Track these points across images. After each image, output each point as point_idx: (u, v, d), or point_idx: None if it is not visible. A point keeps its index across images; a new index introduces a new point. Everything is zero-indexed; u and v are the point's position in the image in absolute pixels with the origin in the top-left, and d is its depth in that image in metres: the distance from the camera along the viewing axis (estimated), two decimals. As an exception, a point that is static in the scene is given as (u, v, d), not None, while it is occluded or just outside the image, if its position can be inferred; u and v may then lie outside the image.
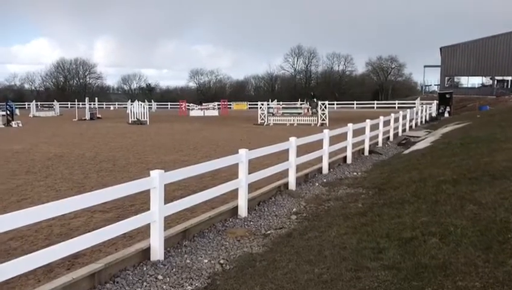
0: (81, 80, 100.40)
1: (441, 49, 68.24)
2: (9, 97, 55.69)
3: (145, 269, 5.57)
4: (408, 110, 26.07)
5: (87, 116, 40.91)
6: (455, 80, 69.18)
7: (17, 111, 44.72)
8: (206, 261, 5.97)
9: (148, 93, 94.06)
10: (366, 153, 15.82)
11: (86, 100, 42.86)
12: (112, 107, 71.60)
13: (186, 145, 18.77)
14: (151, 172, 5.83)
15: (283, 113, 34.07)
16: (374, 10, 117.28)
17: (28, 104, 60.69)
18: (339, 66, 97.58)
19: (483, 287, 4.23)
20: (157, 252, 5.83)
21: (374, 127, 17.23)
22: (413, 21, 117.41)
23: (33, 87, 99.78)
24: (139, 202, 8.22)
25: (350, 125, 14.25)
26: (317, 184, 10.69)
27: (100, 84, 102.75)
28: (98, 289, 5.01)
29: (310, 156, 11.39)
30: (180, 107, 54.42)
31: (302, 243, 6.26)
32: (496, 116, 24.46)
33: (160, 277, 5.40)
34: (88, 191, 6.56)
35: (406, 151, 16.12)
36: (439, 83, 71.49)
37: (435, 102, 41.61)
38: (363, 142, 15.87)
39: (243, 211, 7.97)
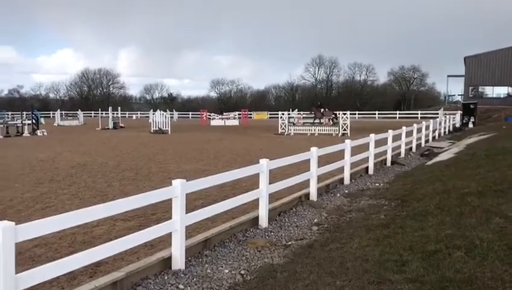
0: (104, 90, 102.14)
1: (465, 59, 67.28)
2: (35, 106, 56.91)
3: (166, 278, 5.59)
4: (431, 120, 25.74)
5: (110, 126, 41.49)
6: (479, 90, 68.00)
7: (42, 120, 45.71)
8: (226, 271, 5.96)
9: (169, 102, 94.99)
10: (389, 163, 15.64)
11: (109, 109, 43.57)
12: (134, 117, 72.53)
13: (207, 155, 18.86)
14: (173, 181, 5.87)
15: (304, 123, 33.98)
16: (396, 20, 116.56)
17: (52, 113, 61.93)
18: (360, 75, 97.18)
19: (511, 303, 4.12)
20: (178, 261, 5.85)
21: (396, 138, 17.05)
22: (436, 30, 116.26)
23: (58, 97, 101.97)
24: (161, 211, 8.28)
25: (372, 135, 14.13)
26: (338, 195, 10.61)
27: (123, 94, 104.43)
28: (120, 297, 5.05)
29: (331, 166, 11.31)
30: (201, 117, 54.83)
31: (323, 255, 6.20)
32: (522, 127, 23.93)
33: (181, 286, 5.41)
34: (111, 200, 6.65)
35: (429, 163, 15.89)
36: (463, 93, 70.35)
37: (459, 112, 40.94)
38: (385, 152, 15.71)
39: (263, 222, 7.94)
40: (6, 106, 75.96)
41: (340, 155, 12.23)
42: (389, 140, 15.84)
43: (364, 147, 13.82)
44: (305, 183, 10.08)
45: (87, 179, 12.75)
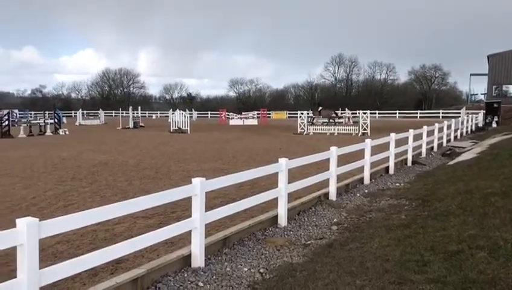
0: (125, 89, 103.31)
1: (488, 57, 65.99)
2: (57, 106, 57.90)
3: (186, 275, 5.62)
4: (453, 120, 25.35)
5: (131, 125, 41.94)
6: (503, 88, 66.65)
7: (64, 119, 46.50)
8: (246, 269, 5.96)
9: (189, 102, 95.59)
10: (409, 163, 15.45)
11: (130, 109, 44.05)
12: (154, 116, 73.21)
13: (226, 154, 18.92)
14: (193, 180, 5.90)
15: (323, 122, 33.82)
16: (417, 18, 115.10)
17: (74, 113, 62.97)
18: (380, 74, 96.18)
19: (537, 305, 4.03)
20: (198, 259, 5.88)
21: (417, 137, 16.83)
22: (458, 29, 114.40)
23: (79, 96, 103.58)
24: (180, 209, 8.33)
25: (393, 135, 13.98)
26: (358, 195, 10.52)
27: (143, 94, 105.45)
28: (140, 294, 5.09)
29: (351, 166, 11.23)
30: (220, 116, 55.06)
31: (343, 254, 6.16)
32: (548, 127, 23.40)
33: (200, 284, 5.44)
34: (131, 198, 6.72)
35: (451, 162, 15.65)
36: (486, 92, 69.11)
37: (482, 112, 40.25)
38: (405, 152, 15.53)
39: (282, 221, 7.93)
40: (29, 105, 77.55)
41: (360, 155, 12.13)
42: (410, 139, 15.65)
43: (385, 147, 13.69)
44: (325, 183, 10.02)
45: (108, 177, 12.91)
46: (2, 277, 5.34)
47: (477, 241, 5.80)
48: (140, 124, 43.56)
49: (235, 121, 50.04)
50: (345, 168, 10.81)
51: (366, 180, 11.90)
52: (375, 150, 12.70)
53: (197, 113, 69.34)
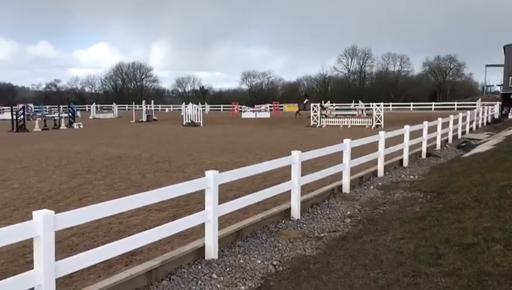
0: (138, 83, 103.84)
1: (504, 47, 64.89)
2: (72, 100, 58.42)
3: (199, 267, 5.66)
4: (468, 111, 25.03)
5: (144, 118, 42.15)
6: (520, 79, 65.60)
7: (78, 113, 46.93)
8: (259, 261, 5.97)
9: (201, 95, 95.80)
10: (424, 155, 15.32)
11: (143, 103, 44.30)
12: (167, 110, 73.51)
13: (239, 147, 18.94)
14: (206, 172, 5.92)
15: (336, 115, 33.66)
16: (431, 9, 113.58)
17: (88, 107, 63.53)
18: (394, 66, 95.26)
19: (554, 298, 3.98)
20: (212, 251, 5.90)
21: (432, 129, 16.65)
22: (473, 19, 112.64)
23: (93, 90, 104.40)
24: (194, 202, 8.37)
25: (407, 127, 13.85)
26: (372, 187, 10.47)
27: (156, 87, 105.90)
28: (155, 286, 5.13)
29: (364, 158, 11.16)
30: (232, 109, 55.08)
31: (356, 247, 6.14)
32: None
33: (214, 276, 5.46)
34: (145, 191, 6.76)
35: (466, 155, 15.47)
36: (502, 83, 68.10)
37: (498, 103, 39.69)
38: (420, 144, 15.39)
39: (295, 213, 7.92)
40: (44, 99, 78.37)
41: (373, 147, 12.05)
42: (424, 132, 15.50)
43: (399, 139, 13.58)
44: (338, 176, 9.98)
45: (122, 170, 13.01)
46: (19, 268, 5.43)
47: (493, 233, 5.74)
48: (154, 118, 43.75)
49: (248, 114, 49.99)
50: (358, 161, 10.75)
51: (380, 173, 11.83)
52: (389, 142, 12.60)
53: (210, 107, 69.46)
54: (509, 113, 36.64)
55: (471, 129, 24.93)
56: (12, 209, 8.49)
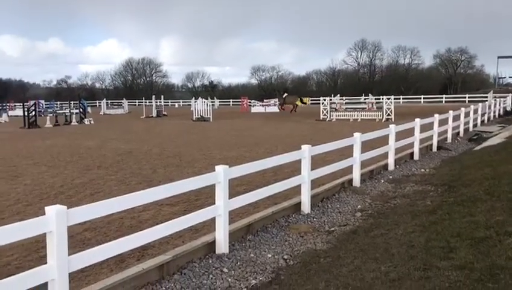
0: (147, 79, 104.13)
1: (516, 38, 64.06)
2: (82, 96, 58.78)
3: (210, 261, 5.69)
4: (480, 104, 24.79)
5: (154, 114, 42.30)
6: (532, 71, 64.68)
7: (89, 109, 47.24)
8: (269, 255, 5.99)
9: (210, 90, 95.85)
10: (435, 149, 15.21)
11: (153, 98, 44.39)
12: (176, 105, 73.67)
13: (248, 141, 18.95)
14: (216, 167, 5.94)
15: (346, 108, 33.50)
16: (441, 0, 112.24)
17: (98, 102, 63.81)
18: (404, 59, 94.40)
19: None
20: (222, 246, 5.93)
21: (443, 122, 16.53)
22: (484, 11, 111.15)
23: (103, 86, 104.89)
24: (204, 197, 8.40)
25: (417, 120, 13.76)
26: (382, 181, 10.43)
27: (165, 83, 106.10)
28: (167, 280, 5.18)
29: (375, 152, 11.12)
30: (241, 104, 55.02)
31: (367, 241, 6.13)
32: None
33: (225, 270, 5.50)
34: (156, 185, 6.79)
35: (478, 147, 15.34)
36: (514, 75, 67.21)
37: (510, 95, 39.18)
38: (431, 138, 15.29)
39: (305, 207, 7.92)
40: (55, 96, 78.97)
41: (384, 141, 11.99)
42: (435, 125, 15.38)
43: (409, 132, 13.49)
44: (348, 170, 9.95)
45: (133, 165, 13.09)
46: (33, 262, 5.51)
47: (506, 227, 5.70)
48: (164, 113, 43.88)
49: (257, 108, 49.91)
50: (369, 155, 10.71)
51: (391, 167, 11.78)
52: (400, 135, 12.53)
53: (219, 101, 69.47)
54: (522, 105, 36.17)
55: (482, 122, 24.69)
56: (25, 205, 8.59)
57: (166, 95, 69.59)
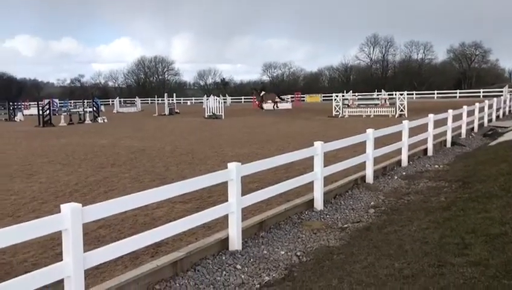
0: (160, 77, 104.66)
1: (532, 32, 63.08)
2: (95, 94, 59.31)
3: (224, 258, 5.72)
4: (494, 99, 24.47)
5: (166, 112, 42.49)
6: (549, 64, 63.61)
7: (102, 107, 47.58)
8: (282, 252, 6.00)
9: (222, 88, 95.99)
10: (449, 144, 15.08)
11: (165, 96, 44.62)
12: (188, 102, 73.91)
13: (260, 138, 18.95)
14: (229, 165, 5.96)
15: (359, 104, 33.32)
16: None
17: (112, 101, 64.32)
18: (417, 54, 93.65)
19: None
20: (235, 242, 5.96)
21: (457, 118, 16.36)
22: (498, 3, 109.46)
23: (116, 85, 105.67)
24: (217, 194, 8.43)
25: (431, 115, 13.64)
26: (396, 177, 10.37)
27: (177, 80, 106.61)
28: (181, 276, 5.21)
29: (388, 148, 11.05)
30: (253, 101, 54.97)
31: (380, 237, 6.11)
32: None
33: (238, 267, 5.52)
34: (169, 183, 6.83)
35: (493, 143, 15.16)
36: (530, 69, 66.17)
37: (526, 89, 38.62)
38: (444, 133, 15.15)
39: (318, 204, 7.91)
40: (68, 94, 79.84)
41: (397, 137, 11.91)
42: (449, 120, 15.24)
43: (423, 128, 13.39)
44: (361, 166, 9.91)
45: (146, 163, 13.18)
46: (49, 259, 5.58)
47: (521, 223, 5.63)
48: (176, 111, 44.05)
49: (269, 105, 49.85)
50: (382, 151, 10.65)
51: (404, 163, 11.70)
52: (413, 131, 12.44)
53: (231, 99, 69.53)
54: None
55: (497, 117, 24.38)
56: (41, 203, 8.70)
57: (178, 93, 69.93)
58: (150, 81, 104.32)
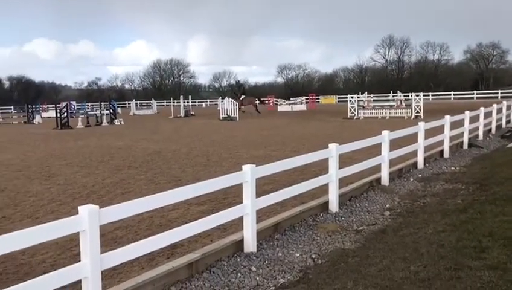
0: (175, 79, 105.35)
1: (551, 31, 62.01)
2: (112, 97, 59.91)
3: (238, 260, 5.74)
4: (513, 99, 24.11)
5: (182, 114, 42.73)
6: None
7: (119, 110, 48.08)
8: (297, 254, 6.01)
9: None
10: (465, 146, 14.90)
11: (181, 98, 44.87)
12: (203, 105, 74.22)
13: (275, 140, 18.96)
14: (243, 166, 5.98)
15: (374, 106, 33.11)
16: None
17: (128, 103, 64.95)
18: (433, 55, 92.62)
19: None
20: (250, 244, 5.98)
21: (474, 119, 16.18)
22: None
23: (132, 87, 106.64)
24: (232, 196, 8.46)
25: (447, 117, 13.50)
26: (411, 179, 10.29)
27: (193, 83, 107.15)
28: (196, 278, 5.25)
29: (403, 150, 10.97)
30: (268, 103, 54.96)
31: (396, 240, 6.07)
32: None
33: (253, 269, 5.54)
34: (185, 185, 6.89)
35: (511, 145, 14.94)
36: (549, 69, 65.05)
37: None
38: (461, 135, 14.98)
39: (333, 206, 7.89)
40: (86, 97, 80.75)
41: (413, 138, 11.82)
42: (466, 122, 15.07)
43: (439, 130, 13.26)
44: (376, 168, 9.86)
45: (162, 165, 13.28)
46: (67, 260, 5.67)
47: (540, 226, 5.55)
48: (191, 113, 44.27)
49: (284, 107, 49.86)
50: (397, 153, 10.58)
51: (420, 165, 11.61)
52: (429, 133, 12.33)
53: (246, 101, 69.51)
54: (558, 101, 34.97)
55: (516, 118, 24.02)
56: (59, 204, 8.84)
57: (193, 95, 70.24)
58: (166, 84, 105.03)
